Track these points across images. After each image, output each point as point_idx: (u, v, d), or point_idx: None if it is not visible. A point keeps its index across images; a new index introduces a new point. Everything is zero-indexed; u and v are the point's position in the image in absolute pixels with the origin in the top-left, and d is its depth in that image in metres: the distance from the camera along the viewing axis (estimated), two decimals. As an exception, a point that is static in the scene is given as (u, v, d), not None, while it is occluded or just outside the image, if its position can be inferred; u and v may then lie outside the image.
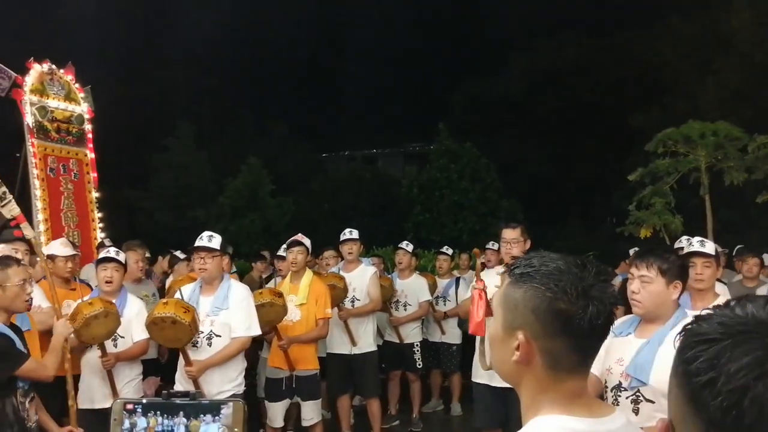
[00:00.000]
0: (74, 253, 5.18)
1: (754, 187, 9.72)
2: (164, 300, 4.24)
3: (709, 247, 3.94)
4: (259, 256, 8.68)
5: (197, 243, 4.34)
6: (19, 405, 3.22)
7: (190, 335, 4.05)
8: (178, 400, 1.91)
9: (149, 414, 1.88)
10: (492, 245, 8.05)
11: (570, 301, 1.12)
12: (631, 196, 10.23)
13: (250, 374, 6.07)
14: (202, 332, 4.22)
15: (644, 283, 2.62)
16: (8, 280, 3.29)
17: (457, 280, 7.44)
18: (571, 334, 1.12)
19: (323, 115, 30.70)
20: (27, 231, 3.70)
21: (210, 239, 4.35)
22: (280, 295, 4.92)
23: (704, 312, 0.82)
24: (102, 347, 4.21)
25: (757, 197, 9.62)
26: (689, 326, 0.81)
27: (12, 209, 3.68)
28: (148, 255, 7.68)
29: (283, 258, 6.21)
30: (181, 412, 1.89)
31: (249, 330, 4.34)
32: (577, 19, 24.94)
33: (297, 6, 33.25)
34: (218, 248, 4.37)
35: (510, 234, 4.39)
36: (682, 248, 5.13)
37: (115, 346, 4.38)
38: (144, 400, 1.93)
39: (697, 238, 4.09)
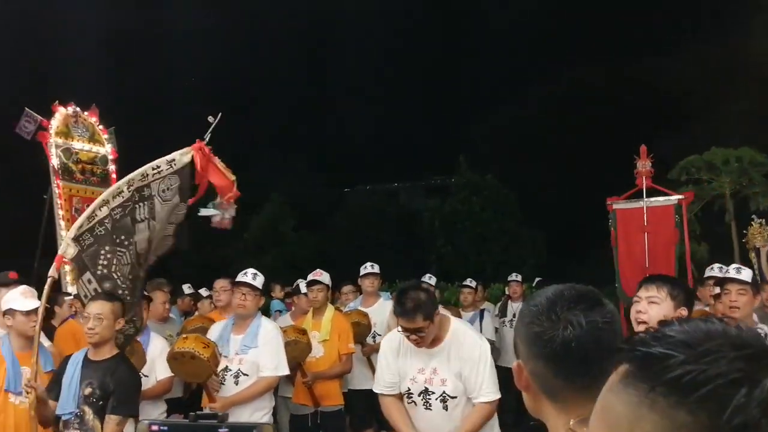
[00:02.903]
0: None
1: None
2: (185, 335, 4.23)
3: (746, 274, 3.87)
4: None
5: (241, 278, 4.36)
6: None
7: (209, 371, 4.01)
8: (205, 423, 1.87)
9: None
10: (515, 276, 7.96)
11: (542, 324, 1.18)
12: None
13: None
14: (230, 370, 4.20)
15: (652, 303, 2.59)
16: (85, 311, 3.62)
17: (482, 312, 7.36)
18: (548, 357, 1.17)
19: (344, 151, 30.92)
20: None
21: (254, 277, 4.39)
22: (304, 332, 4.90)
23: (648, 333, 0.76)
24: None
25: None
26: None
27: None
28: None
29: (301, 293, 6.21)
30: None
31: (277, 370, 4.29)
32: (597, 47, 24.99)
33: (315, 42, 33.86)
34: (260, 288, 4.41)
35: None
36: (712, 277, 5.02)
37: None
38: (169, 423, 1.89)
39: (734, 265, 4.02)
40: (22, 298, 3.85)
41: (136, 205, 3.87)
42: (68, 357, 3.64)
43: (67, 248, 3.66)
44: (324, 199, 27.48)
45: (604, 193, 8.02)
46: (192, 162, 3.95)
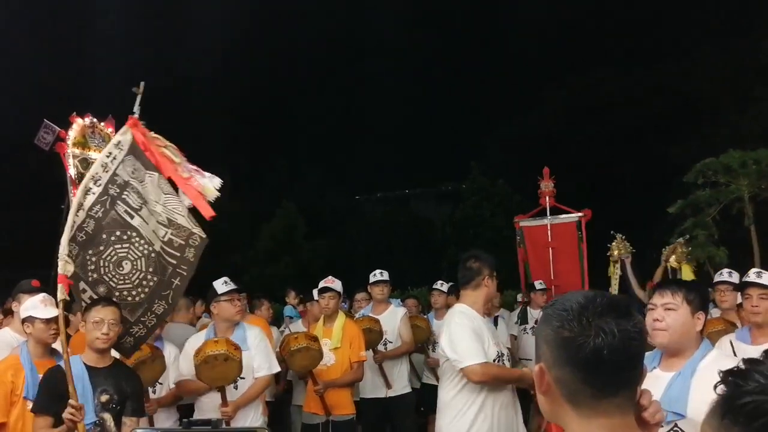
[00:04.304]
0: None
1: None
2: (214, 339, 4.23)
3: (766, 278, 3.82)
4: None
5: (227, 288, 4.41)
6: None
7: (239, 372, 4.11)
8: (198, 429, 1.85)
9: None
10: (542, 285, 7.89)
11: (572, 330, 1.15)
12: (672, 229, 9.99)
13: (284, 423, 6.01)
14: None
15: (668, 310, 2.52)
16: (88, 317, 3.49)
17: (496, 318, 7.30)
18: (577, 364, 1.15)
19: (355, 158, 30.98)
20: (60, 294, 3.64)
21: (233, 282, 4.51)
22: (316, 339, 4.88)
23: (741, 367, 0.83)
24: (146, 392, 4.21)
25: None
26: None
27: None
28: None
29: (316, 301, 6.19)
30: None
31: (270, 368, 4.45)
32: (611, 53, 24.86)
33: (327, 50, 33.98)
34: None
35: None
36: (722, 282, 4.98)
37: (154, 392, 4.38)
38: (162, 430, 1.87)
39: (754, 270, 3.97)
40: (41, 306, 3.87)
41: (123, 195, 3.73)
42: (56, 369, 3.46)
43: (65, 266, 3.52)
44: (336, 206, 27.54)
45: (620, 198, 8.08)
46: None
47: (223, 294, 4.39)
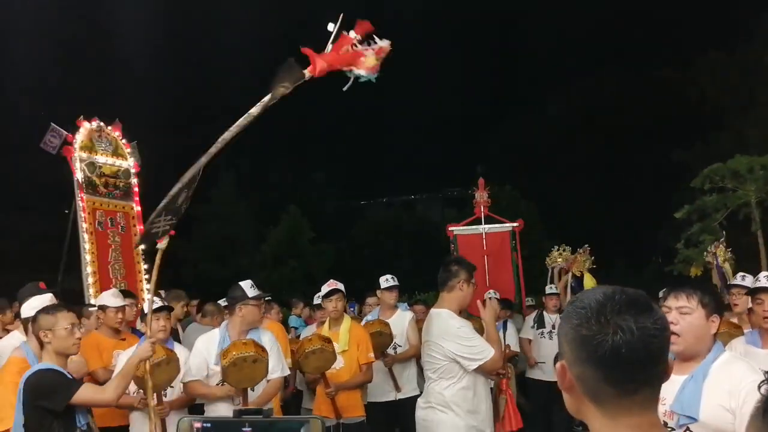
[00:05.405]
0: (124, 303, 5.24)
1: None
2: (242, 341, 4.22)
3: None
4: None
5: (257, 293, 4.43)
6: None
7: (266, 374, 4.13)
8: (249, 418, 1.85)
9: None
10: (554, 289, 7.87)
11: (591, 328, 1.15)
12: (678, 234, 9.99)
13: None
14: None
15: (683, 314, 2.49)
16: (57, 324, 3.41)
17: (505, 323, 7.30)
18: (597, 363, 1.14)
19: (361, 163, 31.01)
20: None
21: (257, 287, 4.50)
22: (329, 341, 4.89)
23: None
24: (159, 395, 4.22)
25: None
26: None
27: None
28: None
29: (320, 307, 6.21)
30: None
31: (283, 371, 4.48)
32: (615, 57, 24.87)
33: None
34: None
35: None
36: (736, 285, 4.98)
37: (165, 395, 4.39)
38: (212, 419, 1.88)
39: (764, 274, 3.97)
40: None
41: None
42: (41, 372, 3.39)
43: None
44: (342, 211, 27.56)
45: (625, 202, 8.09)
46: None
47: (252, 297, 4.39)
